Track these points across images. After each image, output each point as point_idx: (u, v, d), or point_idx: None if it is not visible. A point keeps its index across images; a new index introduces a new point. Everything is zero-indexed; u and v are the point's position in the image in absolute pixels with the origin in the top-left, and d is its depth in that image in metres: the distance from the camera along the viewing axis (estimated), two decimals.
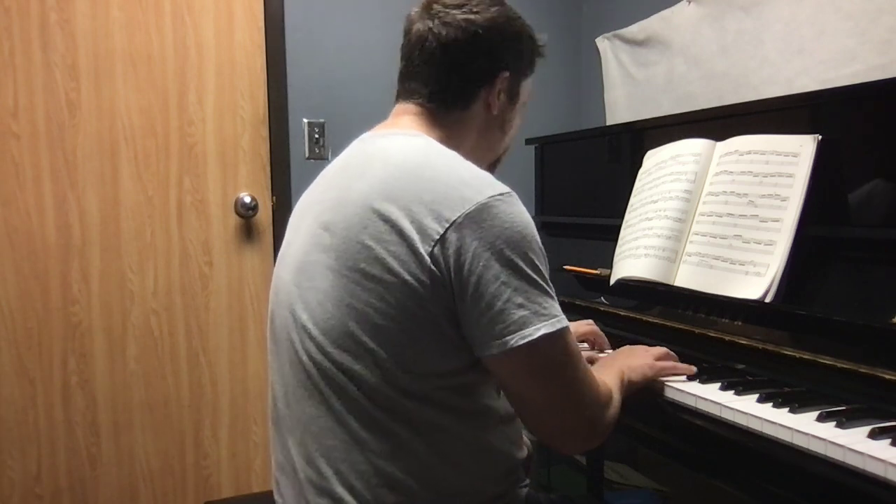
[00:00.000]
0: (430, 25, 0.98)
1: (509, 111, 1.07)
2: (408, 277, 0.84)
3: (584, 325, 1.36)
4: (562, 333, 0.86)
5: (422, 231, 0.84)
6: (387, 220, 0.86)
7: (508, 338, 0.83)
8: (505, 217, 0.85)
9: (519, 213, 0.87)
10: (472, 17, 0.98)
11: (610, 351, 1.32)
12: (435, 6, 1.00)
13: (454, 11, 0.98)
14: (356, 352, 0.87)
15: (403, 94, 1.03)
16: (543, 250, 0.89)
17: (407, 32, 1.02)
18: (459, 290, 0.85)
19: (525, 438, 1.06)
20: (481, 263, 0.83)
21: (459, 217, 0.84)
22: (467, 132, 1.03)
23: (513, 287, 0.84)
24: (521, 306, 0.84)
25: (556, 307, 0.87)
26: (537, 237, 0.88)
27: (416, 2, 1.03)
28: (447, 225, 0.84)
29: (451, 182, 0.87)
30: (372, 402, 0.87)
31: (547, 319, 0.85)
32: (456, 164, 0.91)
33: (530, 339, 0.83)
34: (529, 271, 0.85)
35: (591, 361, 1.18)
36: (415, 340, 0.86)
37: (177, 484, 2.18)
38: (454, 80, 0.99)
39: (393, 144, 0.96)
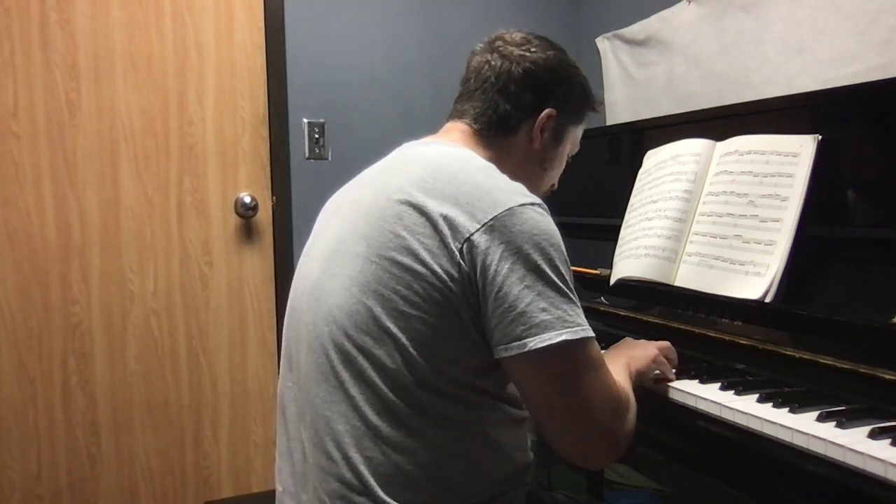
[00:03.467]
0: (489, 58, 1.06)
1: (551, 150, 1.11)
2: (437, 269, 0.87)
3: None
4: (583, 342, 0.87)
5: (454, 227, 0.87)
6: (422, 213, 0.89)
7: (528, 340, 0.85)
8: (533, 224, 0.88)
9: (547, 223, 0.90)
10: (528, 54, 1.06)
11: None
12: (497, 42, 1.08)
13: (513, 48, 1.06)
14: (378, 336, 0.89)
15: (454, 113, 1.09)
16: (569, 262, 0.91)
17: (468, 63, 1.10)
18: (483, 289, 0.87)
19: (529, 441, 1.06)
20: (507, 266, 0.86)
21: (490, 219, 0.87)
22: (507, 158, 1.06)
23: (537, 291, 0.86)
24: (544, 310, 0.85)
25: (580, 316, 0.89)
26: (563, 248, 0.91)
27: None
28: (478, 225, 0.87)
29: (485, 186, 0.91)
30: (388, 389, 0.89)
31: (570, 327, 0.86)
32: (491, 173, 0.95)
33: (549, 343, 0.84)
34: (555, 278, 0.87)
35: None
36: (437, 330, 0.88)
37: (177, 484, 2.18)
38: (502, 106, 1.05)
39: (433, 150, 1.02)
